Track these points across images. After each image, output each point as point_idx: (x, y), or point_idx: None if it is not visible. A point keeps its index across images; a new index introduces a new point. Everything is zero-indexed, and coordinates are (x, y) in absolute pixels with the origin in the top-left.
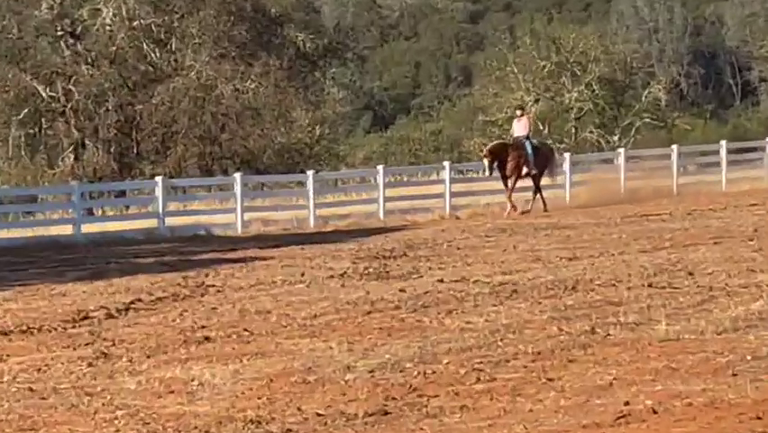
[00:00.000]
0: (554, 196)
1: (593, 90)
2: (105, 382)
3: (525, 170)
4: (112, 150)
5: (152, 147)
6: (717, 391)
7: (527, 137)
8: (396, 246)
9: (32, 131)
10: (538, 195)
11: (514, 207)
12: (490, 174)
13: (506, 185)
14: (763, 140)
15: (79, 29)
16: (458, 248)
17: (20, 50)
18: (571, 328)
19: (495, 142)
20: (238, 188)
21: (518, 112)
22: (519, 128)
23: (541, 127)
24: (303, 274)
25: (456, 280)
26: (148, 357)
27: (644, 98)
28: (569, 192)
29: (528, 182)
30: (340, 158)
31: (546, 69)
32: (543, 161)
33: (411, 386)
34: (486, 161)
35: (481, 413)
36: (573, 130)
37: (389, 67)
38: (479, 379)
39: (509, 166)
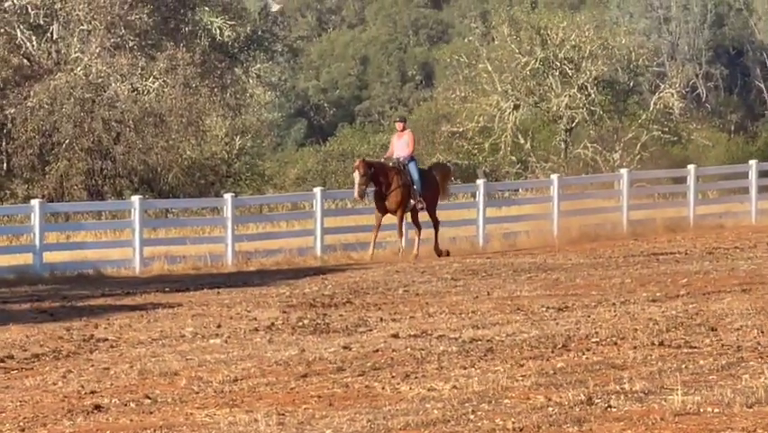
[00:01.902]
0: (539, 229)
1: (588, 95)
2: None
3: (411, 202)
4: None
5: (27, 162)
6: None
7: (412, 158)
8: (338, 291)
9: None
10: (419, 234)
11: (403, 249)
12: (361, 197)
13: (378, 222)
14: None
15: None
16: (417, 294)
17: None
18: (563, 398)
19: (374, 159)
20: (136, 216)
21: (398, 125)
22: (400, 146)
23: (522, 141)
24: (219, 326)
25: (415, 336)
26: (22, 431)
27: (652, 105)
28: (557, 224)
29: (423, 216)
30: (265, 178)
31: (529, 68)
32: (432, 189)
33: None
34: (357, 176)
35: None
36: (563, 145)
37: (329, 63)
38: None
39: (392, 198)
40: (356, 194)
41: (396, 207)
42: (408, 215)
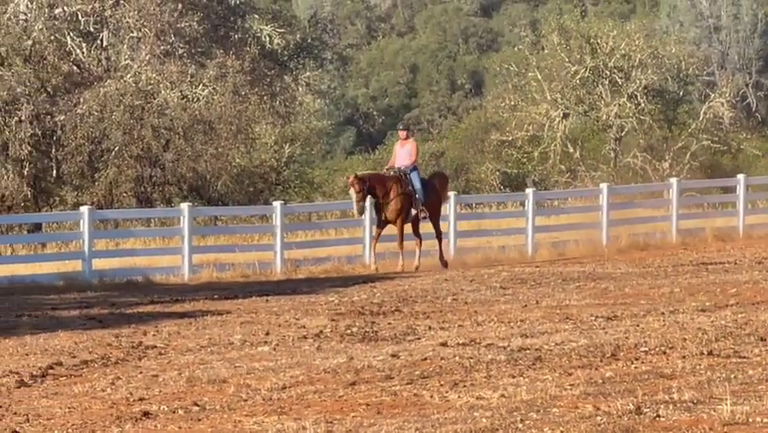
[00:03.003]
0: (588, 238)
1: (638, 104)
2: None
3: (413, 212)
4: (25, 172)
5: (77, 169)
6: None
7: (414, 168)
8: (386, 299)
9: None
10: (437, 244)
11: (403, 261)
12: (361, 213)
13: (378, 233)
14: None
15: None
16: (465, 303)
17: None
18: (611, 407)
19: (368, 172)
20: (185, 223)
21: (402, 133)
22: (403, 156)
23: (571, 150)
24: (268, 334)
25: (464, 344)
26: None
27: (702, 115)
28: (606, 233)
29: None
30: (315, 186)
31: (579, 76)
32: (434, 198)
33: None
34: (353, 193)
35: None
36: (612, 154)
37: (378, 71)
38: None
39: (391, 207)
40: (355, 211)
41: (395, 216)
42: (409, 225)
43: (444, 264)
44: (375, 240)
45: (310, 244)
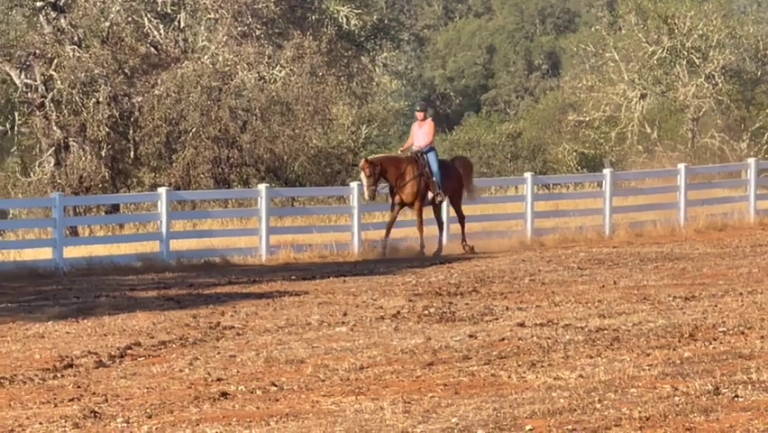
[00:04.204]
0: (665, 218)
1: (716, 84)
2: None
3: (429, 195)
4: (103, 153)
5: (154, 150)
6: None
7: (432, 149)
8: (463, 280)
9: (1, 128)
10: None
11: (424, 245)
12: (371, 198)
13: (393, 218)
14: None
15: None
16: (543, 283)
17: None
18: (689, 387)
19: (380, 155)
20: (263, 204)
21: (419, 114)
22: (421, 136)
23: (648, 130)
24: (345, 314)
25: (541, 325)
26: (149, 417)
27: None
28: (683, 214)
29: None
30: None
31: (656, 57)
32: (454, 181)
33: None
34: (363, 177)
35: None
36: (690, 134)
37: (455, 51)
38: None
39: (407, 190)
40: (366, 195)
41: (412, 198)
42: (430, 210)
43: (465, 249)
44: (390, 225)
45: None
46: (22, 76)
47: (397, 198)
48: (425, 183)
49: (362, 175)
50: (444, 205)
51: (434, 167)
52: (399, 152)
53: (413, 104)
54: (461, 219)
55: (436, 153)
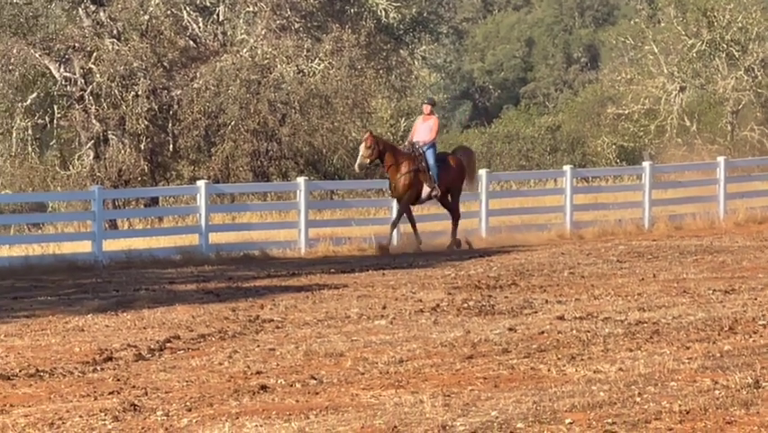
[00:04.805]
0: (705, 211)
1: (755, 77)
2: None
3: (425, 191)
4: (142, 146)
5: (193, 143)
6: None
7: (432, 145)
8: (503, 273)
9: (41, 121)
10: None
11: (420, 241)
12: (359, 170)
13: (409, 215)
14: None
15: None
16: (582, 276)
17: (27, 18)
18: (729, 381)
19: (387, 140)
20: (302, 197)
21: (426, 108)
22: (423, 131)
23: (687, 123)
24: (384, 307)
25: (581, 318)
26: (188, 411)
27: None
28: (723, 207)
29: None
30: None
31: (695, 50)
32: (453, 175)
33: None
34: (363, 147)
35: None
36: (729, 127)
37: (494, 44)
38: None
39: (400, 183)
40: (357, 163)
41: (401, 192)
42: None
43: (456, 244)
44: (412, 222)
45: (427, 217)
46: (62, 69)
47: (393, 192)
48: (421, 179)
49: (363, 146)
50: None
51: (431, 161)
52: (406, 143)
53: (427, 99)
54: (456, 215)
55: (435, 149)
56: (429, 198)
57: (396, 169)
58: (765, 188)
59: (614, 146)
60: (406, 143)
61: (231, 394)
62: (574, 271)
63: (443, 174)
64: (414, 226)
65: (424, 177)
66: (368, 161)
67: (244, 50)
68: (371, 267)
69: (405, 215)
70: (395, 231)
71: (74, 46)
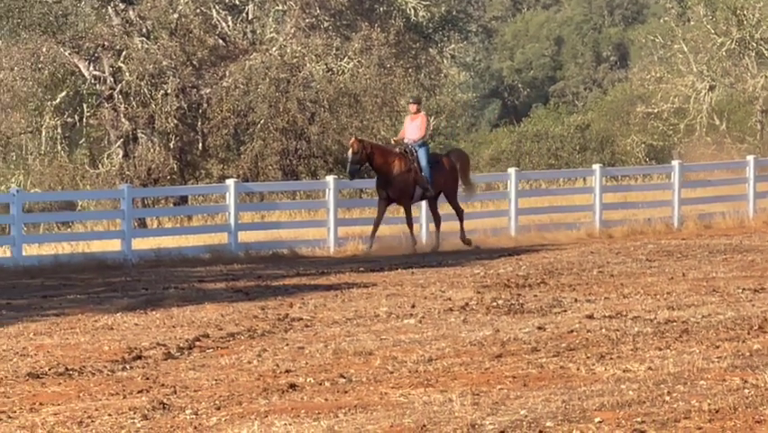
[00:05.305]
0: (734, 210)
1: None
2: None
3: (418, 191)
4: (171, 145)
5: (222, 142)
6: None
7: (423, 143)
8: (532, 272)
9: (70, 120)
10: (454, 224)
11: (416, 242)
12: (352, 177)
13: (381, 213)
14: None
15: None
16: (611, 275)
17: (57, 16)
18: (759, 380)
19: (372, 141)
20: (331, 196)
21: (412, 107)
22: (412, 130)
23: (717, 122)
24: (413, 306)
25: (610, 317)
26: (218, 409)
27: None
28: (752, 205)
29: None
30: None
31: (725, 48)
32: (446, 176)
33: None
34: (350, 153)
35: None
36: (759, 126)
37: (523, 43)
38: None
39: (396, 187)
40: (347, 171)
41: (400, 195)
42: (425, 205)
43: (465, 242)
44: (378, 221)
45: (455, 216)
46: (91, 68)
47: (383, 194)
48: (414, 179)
49: (349, 151)
50: (437, 200)
51: (424, 162)
52: (393, 141)
53: (412, 98)
54: (459, 214)
55: (428, 148)
56: (422, 198)
57: (388, 170)
58: None
59: (643, 145)
60: (392, 142)
61: (260, 393)
62: (603, 269)
63: (437, 175)
64: (410, 227)
65: (416, 177)
66: (358, 166)
67: (273, 49)
68: (400, 266)
69: (378, 216)
70: (414, 229)
71: (103, 45)
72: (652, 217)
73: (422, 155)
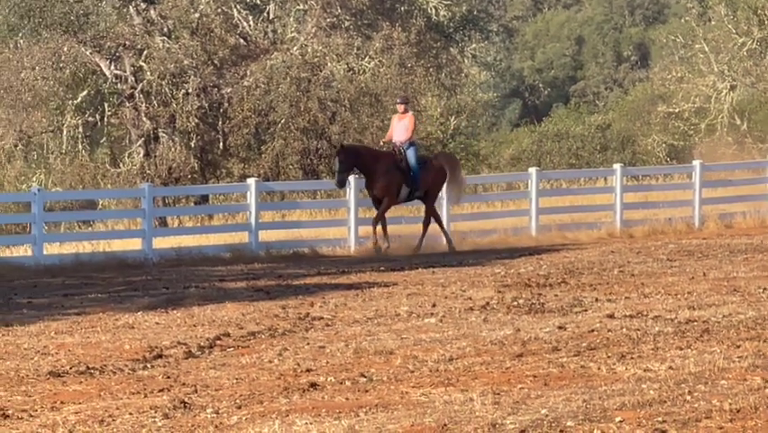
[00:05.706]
0: (755, 209)
1: None
2: None
3: (404, 190)
4: (192, 144)
5: (243, 141)
6: None
7: (412, 144)
8: (552, 271)
9: (91, 119)
10: (440, 229)
11: (377, 241)
12: (341, 186)
13: (378, 208)
14: None
15: None
16: (632, 275)
17: (78, 16)
18: None
19: (358, 144)
20: (351, 195)
21: (400, 107)
22: (399, 130)
23: (738, 122)
24: (434, 305)
25: (630, 316)
26: (238, 408)
27: None
28: None
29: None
30: (480, 158)
31: (746, 48)
32: (434, 177)
33: None
34: (336, 162)
35: None
36: None
37: (544, 43)
38: None
39: (380, 184)
40: (335, 182)
41: (382, 193)
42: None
43: (416, 250)
44: (378, 219)
45: (476, 216)
46: (112, 67)
47: (371, 193)
48: (401, 178)
49: (336, 161)
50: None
51: (412, 161)
52: (382, 143)
53: (400, 98)
54: (428, 219)
55: (416, 149)
56: (409, 198)
57: (376, 170)
58: None
59: (664, 145)
60: (381, 143)
61: (280, 392)
62: (624, 269)
63: (424, 176)
64: (385, 229)
65: (404, 177)
66: (346, 174)
67: (294, 48)
68: (421, 265)
69: (378, 215)
70: (376, 230)
71: (124, 44)
72: (673, 217)
73: (410, 155)
